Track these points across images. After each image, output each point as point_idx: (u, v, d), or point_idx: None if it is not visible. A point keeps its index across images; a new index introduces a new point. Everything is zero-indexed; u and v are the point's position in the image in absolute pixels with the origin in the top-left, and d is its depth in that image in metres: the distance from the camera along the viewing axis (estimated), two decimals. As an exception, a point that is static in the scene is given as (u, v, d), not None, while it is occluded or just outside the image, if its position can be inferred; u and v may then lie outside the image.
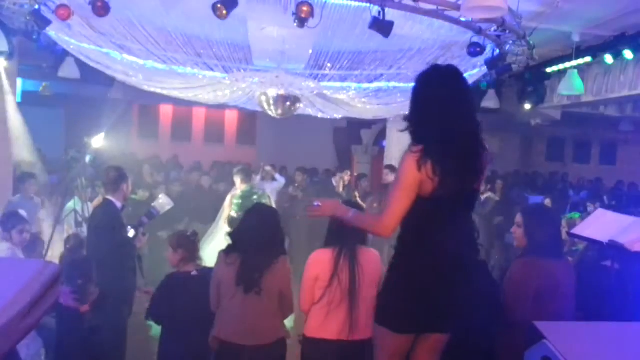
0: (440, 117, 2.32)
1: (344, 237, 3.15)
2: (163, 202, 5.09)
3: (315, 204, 2.56)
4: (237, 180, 6.52)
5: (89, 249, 4.77)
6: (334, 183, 8.85)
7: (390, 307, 2.51)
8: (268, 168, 8.81)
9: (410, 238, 2.41)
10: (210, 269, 3.82)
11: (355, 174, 9.11)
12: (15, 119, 7.25)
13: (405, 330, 2.51)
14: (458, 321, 2.50)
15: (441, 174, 2.25)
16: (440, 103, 2.33)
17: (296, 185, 8.94)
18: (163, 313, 3.78)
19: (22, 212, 5.04)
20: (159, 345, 3.86)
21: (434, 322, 2.50)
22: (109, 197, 4.74)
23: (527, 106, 7.33)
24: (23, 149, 7.37)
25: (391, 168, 8.39)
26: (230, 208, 6.45)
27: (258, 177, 8.66)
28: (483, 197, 8.00)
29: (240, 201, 6.20)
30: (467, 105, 2.42)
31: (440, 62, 6.03)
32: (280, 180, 8.94)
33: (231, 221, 6.21)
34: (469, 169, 2.36)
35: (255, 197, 6.25)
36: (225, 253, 3.44)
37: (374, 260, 3.30)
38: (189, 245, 3.92)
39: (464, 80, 2.49)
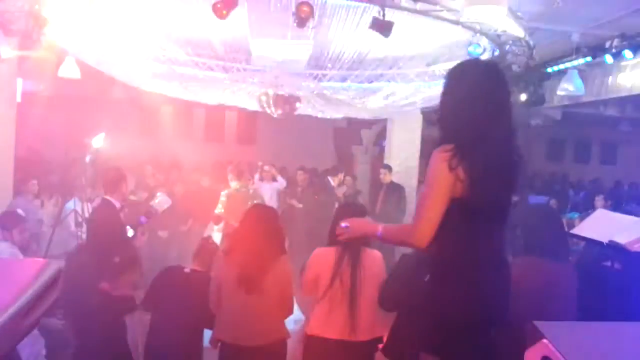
0: (478, 114, 2.11)
1: None
2: (161, 201, 5.09)
3: (343, 225, 2.34)
4: (229, 178, 6.47)
5: (89, 249, 4.77)
6: (332, 183, 8.73)
7: (447, 331, 2.15)
8: (267, 167, 8.72)
9: (453, 249, 2.13)
10: (206, 274, 3.86)
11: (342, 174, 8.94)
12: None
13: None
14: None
15: (474, 175, 2.04)
16: (480, 99, 2.13)
17: (299, 189, 8.81)
18: (152, 304, 3.83)
19: (21, 212, 5.05)
20: (146, 335, 3.90)
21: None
22: (108, 197, 4.75)
23: (527, 105, 7.31)
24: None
25: (388, 168, 8.38)
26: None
27: (256, 177, 8.62)
28: None
29: (224, 199, 6.12)
30: (506, 106, 2.21)
31: (440, 62, 6.05)
32: (282, 181, 8.87)
33: (215, 218, 6.18)
34: (504, 174, 2.14)
35: (243, 195, 6.13)
36: (226, 254, 3.44)
37: (377, 262, 3.30)
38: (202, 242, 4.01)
39: (502, 75, 2.27)
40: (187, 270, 3.86)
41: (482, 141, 2.08)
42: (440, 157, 2.06)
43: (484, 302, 2.13)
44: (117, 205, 4.70)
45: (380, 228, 2.27)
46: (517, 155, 2.21)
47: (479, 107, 2.12)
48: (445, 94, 2.23)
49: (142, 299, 3.93)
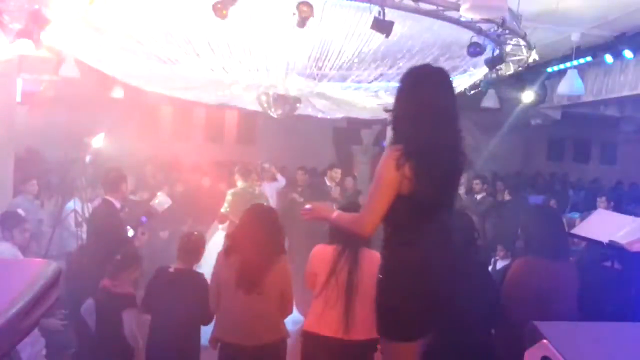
0: (425, 117, 2.29)
1: (347, 236, 3.15)
2: (161, 201, 5.09)
3: (307, 207, 2.58)
4: (236, 178, 6.48)
5: (89, 249, 4.77)
6: (327, 182, 8.67)
7: (394, 315, 2.38)
8: (267, 165, 8.67)
9: (396, 240, 2.37)
10: (193, 272, 3.88)
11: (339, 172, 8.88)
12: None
13: (415, 336, 2.40)
14: (453, 320, 2.47)
15: (419, 174, 2.22)
16: (427, 103, 2.31)
17: (299, 189, 8.80)
18: (148, 306, 3.84)
19: (21, 212, 5.05)
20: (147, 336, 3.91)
21: (435, 322, 2.44)
22: (108, 197, 4.75)
23: (532, 100, 7.31)
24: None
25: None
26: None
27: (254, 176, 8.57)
28: (479, 196, 7.99)
29: (230, 197, 6.11)
30: (452, 110, 2.39)
31: (440, 62, 6.04)
32: (281, 180, 8.86)
33: (220, 217, 6.16)
34: (448, 173, 2.35)
35: (248, 195, 6.13)
36: (225, 254, 3.44)
37: (376, 263, 3.28)
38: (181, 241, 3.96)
39: (451, 84, 2.48)
40: (171, 269, 3.86)
41: (427, 143, 2.26)
42: (389, 156, 2.25)
43: (425, 292, 2.31)
44: (117, 205, 4.70)
45: (334, 214, 2.52)
46: (463, 154, 2.40)
47: (425, 111, 2.29)
48: (397, 97, 2.42)
49: (141, 301, 3.94)
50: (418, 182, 2.22)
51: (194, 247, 3.94)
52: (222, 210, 6.06)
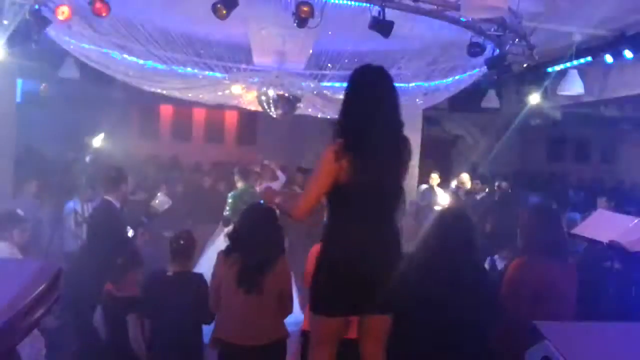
0: (362, 113, 2.48)
1: None
2: (161, 200, 5.08)
3: (264, 186, 2.80)
4: (236, 179, 6.48)
5: (89, 249, 4.77)
6: None
7: (316, 291, 2.61)
8: (267, 162, 8.65)
9: (332, 225, 2.58)
10: (191, 273, 3.87)
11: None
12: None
13: (335, 313, 2.57)
14: (390, 302, 2.58)
15: (356, 167, 2.41)
16: (363, 100, 2.51)
17: (298, 190, 8.79)
18: (147, 311, 3.82)
19: (21, 212, 5.04)
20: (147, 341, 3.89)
21: (360, 304, 2.55)
22: (108, 197, 4.75)
23: (534, 101, 7.28)
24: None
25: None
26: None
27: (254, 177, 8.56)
28: (478, 197, 7.98)
29: (231, 200, 6.11)
30: (389, 105, 2.54)
31: (440, 62, 6.05)
32: (282, 177, 8.85)
33: (224, 220, 6.16)
34: (385, 165, 2.49)
35: (248, 197, 6.12)
36: (225, 254, 3.44)
37: None
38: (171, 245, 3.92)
39: (389, 81, 2.60)
40: (169, 273, 3.83)
41: (363, 137, 2.45)
42: (330, 149, 2.46)
43: (345, 273, 2.48)
44: (118, 205, 4.70)
45: (278, 198, 2.78)
46: (404, 145, 2.57)
47: (362, 108, 2.50)
48: (343, 95, 2.63)
49: (140, 306, 3.90)
50: (355, 172, 2.42)
51: (185, 249, 3.91)
52: (225, 213, 6.08)
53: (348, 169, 2.42)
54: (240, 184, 6.31)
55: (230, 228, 6.06)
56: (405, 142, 2.60)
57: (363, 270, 2.48)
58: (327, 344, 2.64)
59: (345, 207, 2.53)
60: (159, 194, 5.45)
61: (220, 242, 5.88)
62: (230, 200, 6.07)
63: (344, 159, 2.42)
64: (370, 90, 2.53)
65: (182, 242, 3.88)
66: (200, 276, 3.87)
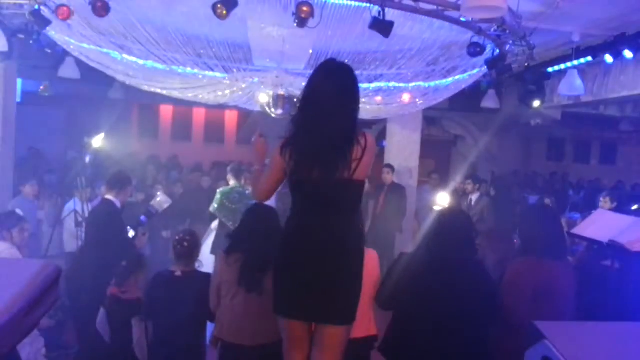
0: (303, 110, 2.56)
1: None
2: (161, 200, 5.08)
3: (259, 134, 2.95)
4: (228, 177, 6.40)
5: (89, 249, 4.77)
6: None
7: (274, 287, 2.68)
8: (267, 161, 8.62)
9: (287, 217, 2.68)
10: (198, 272, 3.85)
11: None
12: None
13: (285, 313, 2.62)
14: (345, 314, 2.57)
15: (296, 161, 2.50)
16: (306, 96, 2.56)
17: None
18: (151, 312, 3.80)
19: (20, 212, 5.05)
20: (149, 344, 3.87)
21: (309, 306, 2.54)
22: (109, 197, 4.75)
23: (536, 104, 7.30)
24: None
25: (391, 167, 8.39)
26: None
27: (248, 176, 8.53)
28: (474, 196, 7.96)
29: (219, 196, 6.03)
30: (337, 101, 2.50)
31: (440, 62, 6.05)
32: None
33: (209, 217, 6.09)
34: (325, 160, 2.48)
35: (237, 195, 6.02)
36: (226, 253, 3.44)
37: (371, 261, 3.29)
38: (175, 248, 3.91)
39: (341, 77, 2.56)
40: (178, 273, 3.81)
41: (302, 132, 2.52)
42: (279, 144, 2.59)
43: (290, 262, 2.59)
44: (119, 205, 4.70)
45: (259, 167, 2.87)
46: (349, 141, 2.50)
47: (304, 104, 2.57)
48: None
49: (142, 309, 3.89)
50: (295, 165, 2.52)
51: (189, 250, 3.90)
52: (211, 209, 5.99)
53: (289, 163, 2.52)
54: (232, 182, 6.22)
55: (215, 224, 6.02)
56: (350, 140, 2.49)
57: (305, 262, 2.52)
58: (294, 350, 2.63)
59: (294, 201, 2.64)
60: (158, 193, 5.45)
61: (209, 241, 5.86)
62: (218, 196, 5.97)
63: (287, 154, 2.53)
64: (315, 86, 2.55)
65: (186, 244, 3.87)
66: (207, 275, 3.86)
